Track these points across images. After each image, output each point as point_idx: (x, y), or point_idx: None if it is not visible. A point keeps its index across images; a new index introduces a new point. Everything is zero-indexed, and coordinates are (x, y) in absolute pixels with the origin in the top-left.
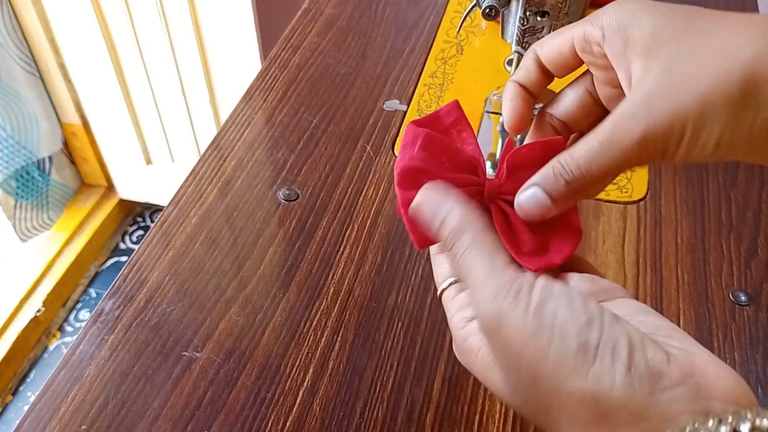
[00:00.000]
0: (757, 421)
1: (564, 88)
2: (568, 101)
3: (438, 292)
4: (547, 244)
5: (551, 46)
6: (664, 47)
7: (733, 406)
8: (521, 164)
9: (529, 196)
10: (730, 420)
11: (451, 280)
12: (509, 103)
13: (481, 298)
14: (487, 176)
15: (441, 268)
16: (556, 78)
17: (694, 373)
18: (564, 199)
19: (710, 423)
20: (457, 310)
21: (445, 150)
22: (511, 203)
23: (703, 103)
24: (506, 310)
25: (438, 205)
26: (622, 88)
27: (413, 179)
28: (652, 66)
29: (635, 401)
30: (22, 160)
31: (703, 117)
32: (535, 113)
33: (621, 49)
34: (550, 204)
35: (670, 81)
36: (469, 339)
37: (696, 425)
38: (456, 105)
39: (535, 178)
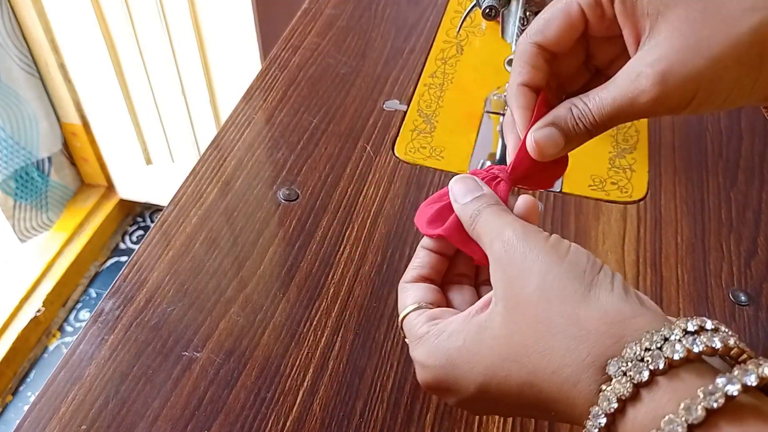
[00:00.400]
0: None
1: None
2: (559, 25)
3: (400, 318)
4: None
5: (554, 27)
6: (673, 9)
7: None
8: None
9: (546, 135)
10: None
11: (415, 306)
12: (521, 107)
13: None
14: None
15: (407, 296)
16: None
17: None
18: (577, 141)
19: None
20: (423, 323)
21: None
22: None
23: (715, 67)
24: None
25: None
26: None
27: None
28: (662, 27)
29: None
30: (22, 160)
31: (715, 79)
32: None
33: (631, 8)
34: (564, 143)
35: (682, 45)
36: (445, 333)
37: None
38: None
39: (551, 118)
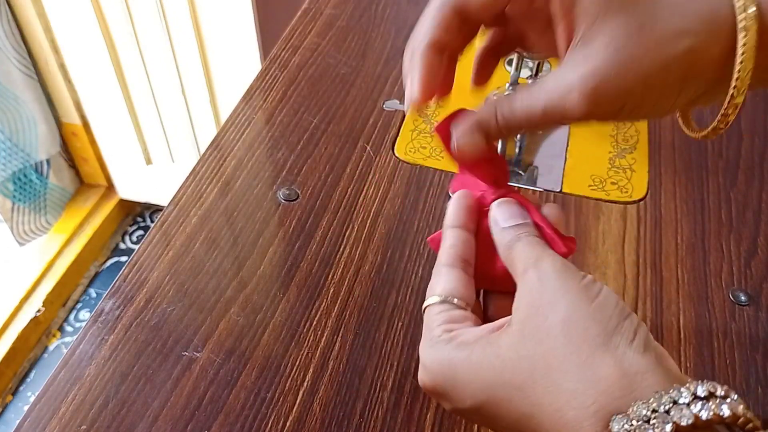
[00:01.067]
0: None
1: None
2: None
3: (424, 305)
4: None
5: None
6: (613, 17)
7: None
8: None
9: (466, 136)
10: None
11: (441, 299)
12: (424, 73)
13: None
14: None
15: (437, 283)
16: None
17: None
18: (497, 137)
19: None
20: (441, 322)
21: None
22: None
23: (643, 85)
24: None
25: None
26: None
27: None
28: (598, 34)
29: (656, 369)
30: (20, 162)
31: (642, 95)
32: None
33: (569, 5)
34: (483, 142)
35: (615, 60)
36: (455, 342)
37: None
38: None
39: (475, 122)
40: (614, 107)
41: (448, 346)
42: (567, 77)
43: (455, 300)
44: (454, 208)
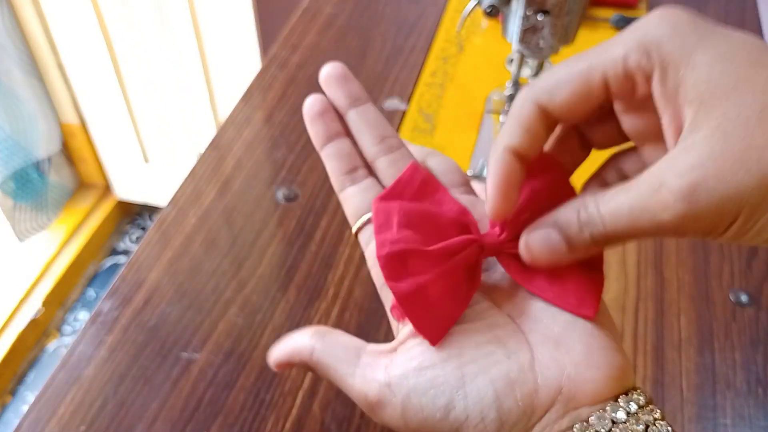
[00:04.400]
0: (604, 420)
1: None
2: (571, 90)
3: (354, 230)
4: (566, 288)
5: (566, 92)
6: (721, 101)
7: (594, 411)
8: (522, 210)
9: (541, 239)
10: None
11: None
12: (502, 181)
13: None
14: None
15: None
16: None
17: (563, 386)
18: (584, 251)
19: None
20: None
21: (426, 218)
22: (517, 255)
23: (764, 186)
24: (388, 419)
25: None
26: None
27: (401, 266)
28: (703, 122)
29: None
30: (21, 161)
31: (765, 202)
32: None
33: (672, 91)
34: (566, 252)
35: (725, 152)
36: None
37: None
38: (415, 167)
39: (551, 218)
40: (722, 217)
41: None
42: (661, 173)
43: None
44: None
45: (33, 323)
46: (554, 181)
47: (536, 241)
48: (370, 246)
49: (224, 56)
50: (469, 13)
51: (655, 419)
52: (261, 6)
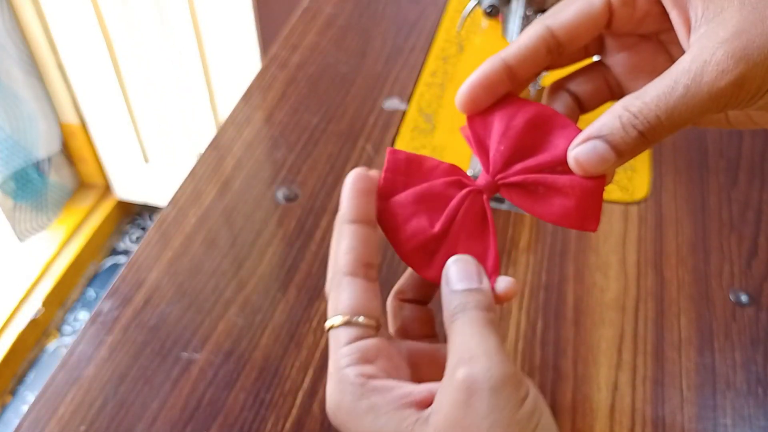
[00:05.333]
0: None
1: (576, 71)
2: (584, 81)
3: (326, 325)
4: (568, 207)
5: (573, 11)
6: None
7: None
8: (502, 143)
9: (588, 150)
10: None
11: (345, 319)
12: (481, 78)
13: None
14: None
15: (339, 297)
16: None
17: None
18: (633, 151)
19: None
20: (351, 363)
21: (421, 198)
22: (513, 184)
23: None
24: None
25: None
26: (649, 64)
27: (425, 254)
28: (726, 4)
29: None
30: (21, 161)
31: None
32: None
33: None
34: (615, 158)
35: (759, 17)
36: (373, 396)
37: None
38: (392, 152)
39: (595, 129)
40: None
41: (358, 398)
42: (705, 46)
43: (361, 318)
44: (349, 196)
45: (33, 323)
46: (536, 113)
47: (584, 154)
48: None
49: (224, 56)
50: (469, 13)
51: None
52: (261, 6)
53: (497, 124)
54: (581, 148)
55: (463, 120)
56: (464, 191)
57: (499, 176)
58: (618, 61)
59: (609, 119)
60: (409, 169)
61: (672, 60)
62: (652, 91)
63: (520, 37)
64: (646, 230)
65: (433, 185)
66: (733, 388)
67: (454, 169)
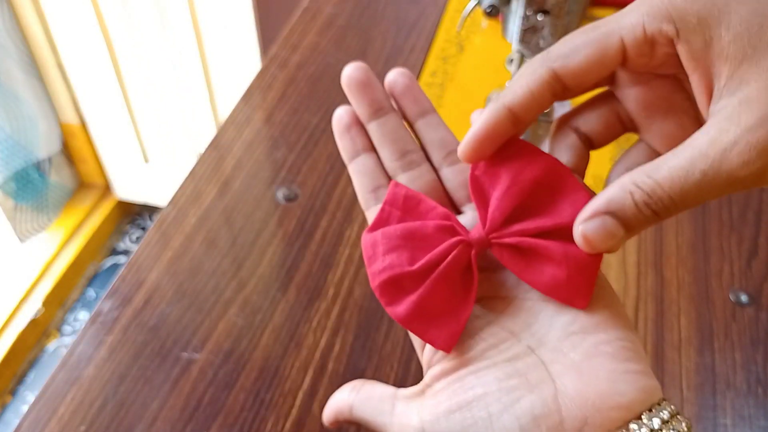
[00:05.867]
0: None
1: (584, 104)
2: (593, 117)
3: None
4: (558, 278)
5: (581, 57)
6: (764, 52)
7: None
8: (504, 198)
9: (596, 227)
10: None
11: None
12: (485, 128)
13: None
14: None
15: None
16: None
17: (587, 416)
18: (643, 227)
19: None
20: None
21: (410, 235)
22: (507, 245)
23: None
24: None
25: None
26: (664, 107)
27: (396, 290)
28: (752, 75)
29: None
30: (21, 161)
31: None
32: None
33: (702, 50)
34: (624, 233)
35: None
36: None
37: None
38: (395, 186)
39: (602, 203)
40: None
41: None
42: (728, 131)
43: None
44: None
45: (33, 323)
46: (545, 170)
47: (592, 230)
48: None
49: (224, 56)
50: (469, 13)
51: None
52: (261, 6)
53: (504, 176)
54: (590, 225)
55: (463, 118)
56: (454, 240)
57: (493, 234)
58: (630, 96)
59: (619, 194)
60: (407, 205)
61: (689, 99)
62: (665, 172)
63: (522, 80)
64: (646, 230)
65: (424, 225)
66: (733, 388)
67: (449, 215)
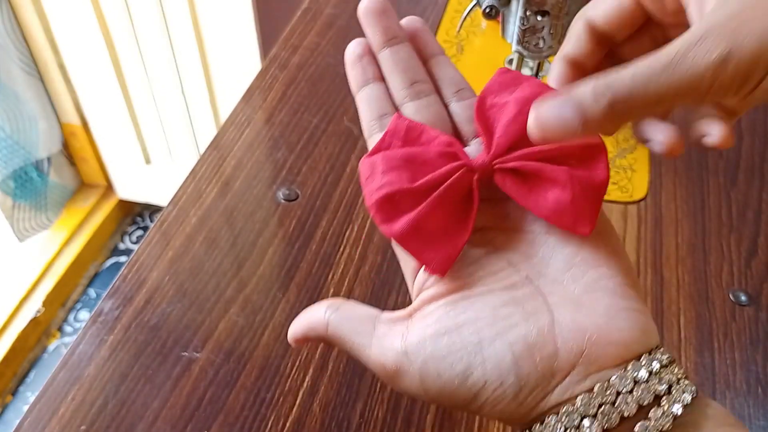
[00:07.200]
0: (627, 379)
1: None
2: (609, 5)
3: None
4: (562, 204)
5: (606, 5)
6: None
7: (615, 372)
8: (510, 124)
9: (553, 109)
10: (605, 388)
11: None
12: (555, 76)
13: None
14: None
15: None
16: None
17: (584, 349)
18: (597, 125)
19: (584, 398)
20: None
21: (411, 158)
22: (510, 171)
23: None
24: (405, 388)
25: None
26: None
27: (392, 209)
28: None
29: (531, 411)
30: (21, 160)
31: None
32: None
33: None
34: (578, 126)
35: (757, 2)
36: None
37: (571, 407)
38: (398, 117)
39: (564, 90)
40: (761, 59)
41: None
42: (694, 28)
43: None
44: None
45: (34, 323)
46: None
47: (547, 113)
48: None
49: (224, 57)
50: (468, 14)
51: (678, 378)
52: (261, 6)
53: (510, 106)
54: (545, 108)
55: None
56: (456, 163)
57: (497, 160)
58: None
59: (582, 86)
60: (408, 135)
61: None
62: (631, 68)
63: (570, 34)
64: (646, 230)
65: (425, 150)
66: (732, 388)
67: (453, 142)
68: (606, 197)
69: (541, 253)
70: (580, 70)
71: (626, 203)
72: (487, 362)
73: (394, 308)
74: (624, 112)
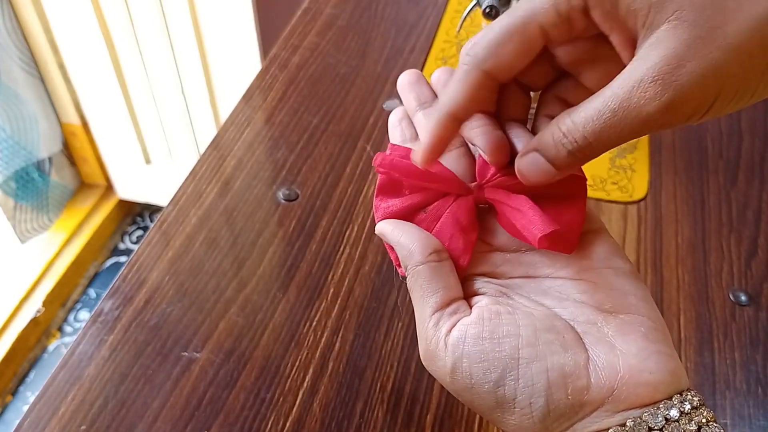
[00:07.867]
0: (651, 421)
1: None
2: (511, 49)
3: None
4: (558, 212)
5: (509, 50)
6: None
7: (647, 409)
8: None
9: (529, 162)
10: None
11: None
12: (436, 142)
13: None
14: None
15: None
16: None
17: (615, 387)
18: (567, 167)
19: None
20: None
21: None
22: (497, 185)
23: (738, 58)
24: (435, 371)
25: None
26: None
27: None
28: (661, 21)
29: None
30: (22, 161)
31: (740, 72)
32: None
33: (611, 10)
34: (553, 171)
35: (692, 37)
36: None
37: None
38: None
39: (534, 142)
40: (706, 96)
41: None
42: (636, 71)
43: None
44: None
45: (34, 323)
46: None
47: (525, 166)
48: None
49: (224, 56)
50: (468, 14)
51: (708, 421)
52: (261, 6)
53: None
54: (524, 160)
55: None
56: (447, 198)
57: (486, 186)
58: (560, 52)
59: (545, 134)
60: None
61: (614, 50)
62: (582, 112)
63: (458, 86)
64: (646, 230)
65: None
66: (732, 388)
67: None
68: (606, 197)
69: (573, 297)
70: (460, 122)
71: (626, 203)
72: (521, 380)
73: (394, 308)
74: (584, 155)
